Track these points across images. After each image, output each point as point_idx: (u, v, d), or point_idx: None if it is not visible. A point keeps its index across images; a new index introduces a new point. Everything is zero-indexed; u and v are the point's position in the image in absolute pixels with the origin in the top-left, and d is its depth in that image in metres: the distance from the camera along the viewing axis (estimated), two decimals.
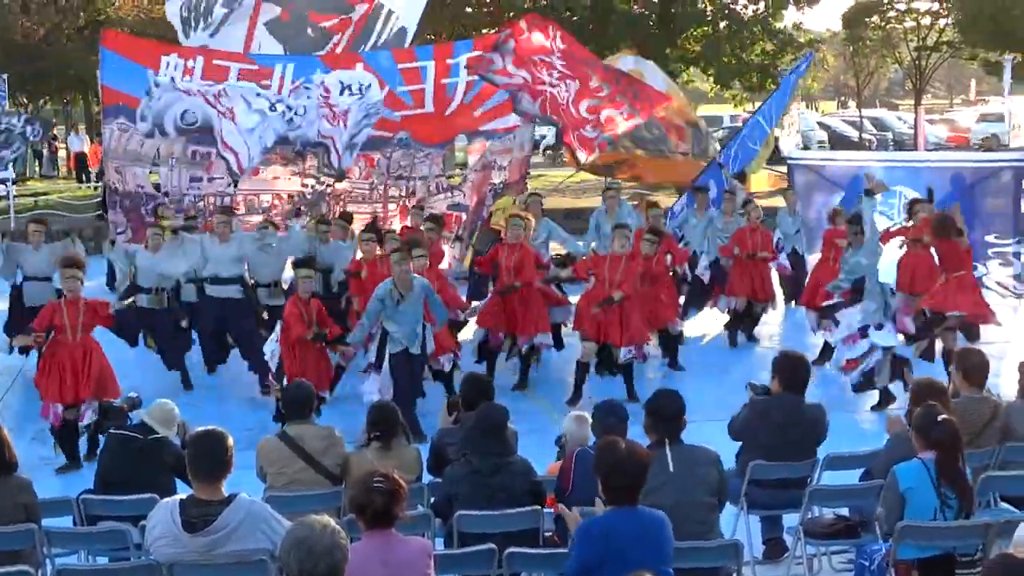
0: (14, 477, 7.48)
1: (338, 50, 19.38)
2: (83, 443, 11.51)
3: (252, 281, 14.60)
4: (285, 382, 11.76)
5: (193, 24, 19.43)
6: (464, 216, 18.83)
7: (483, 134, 19.45)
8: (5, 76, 29.17)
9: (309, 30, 19.92)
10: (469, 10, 39.70)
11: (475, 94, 18.27)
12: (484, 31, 34.75)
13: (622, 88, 17.45)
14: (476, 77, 17.61)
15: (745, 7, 39.05)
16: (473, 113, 18.51)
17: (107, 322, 12.26)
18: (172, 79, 16.88)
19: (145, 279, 13.98)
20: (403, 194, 19.08)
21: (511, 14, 33.12)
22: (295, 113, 16.26)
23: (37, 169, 40.94)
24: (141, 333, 14.08)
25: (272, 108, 16.24)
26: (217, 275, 14.02)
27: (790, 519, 8.41)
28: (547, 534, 7.44)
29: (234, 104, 16.18)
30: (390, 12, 19.99)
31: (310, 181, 18.61)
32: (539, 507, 7.33)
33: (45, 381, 11.45)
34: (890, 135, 50.15)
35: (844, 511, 8.20)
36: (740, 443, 8.54)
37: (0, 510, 7.23)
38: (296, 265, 13.35)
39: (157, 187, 17.85)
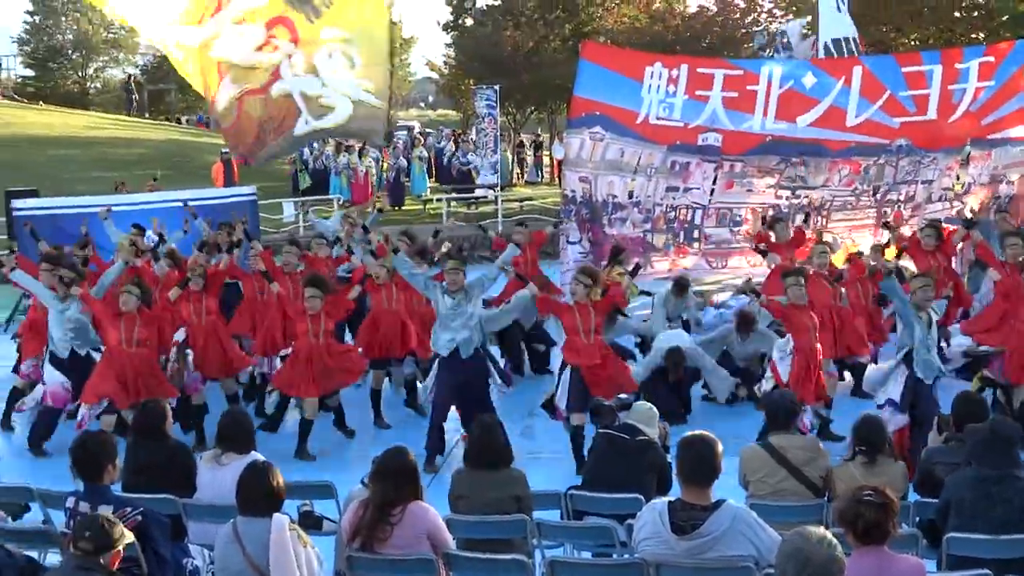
0: (511, 470, 7.91)
1: None
2: None
3: None
4: None
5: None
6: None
7: (991, 143, 18.21)
8: (497, 87, 30.70)
9: None
10: (957, 15, 37.19)
11: (984, 102, 17.55)
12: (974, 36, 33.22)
13: None
14: (986, 84, 17.20)
15: None
16: (980, 121, 17.69)
17: None
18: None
19: None
20: (901, 199, 18.47)
21: (1005, 17, 31.56)
22: None
23: (522, 176, 42.83)
24: None
25: None
26: None
27: None
28: None
29: None
30: None
31: (784, 193, 18.17)
32: None
33: None
34: None
35: None
36: None
37: (496, 500, 7.69)
38: None
39: (630, 195, 18.07)
